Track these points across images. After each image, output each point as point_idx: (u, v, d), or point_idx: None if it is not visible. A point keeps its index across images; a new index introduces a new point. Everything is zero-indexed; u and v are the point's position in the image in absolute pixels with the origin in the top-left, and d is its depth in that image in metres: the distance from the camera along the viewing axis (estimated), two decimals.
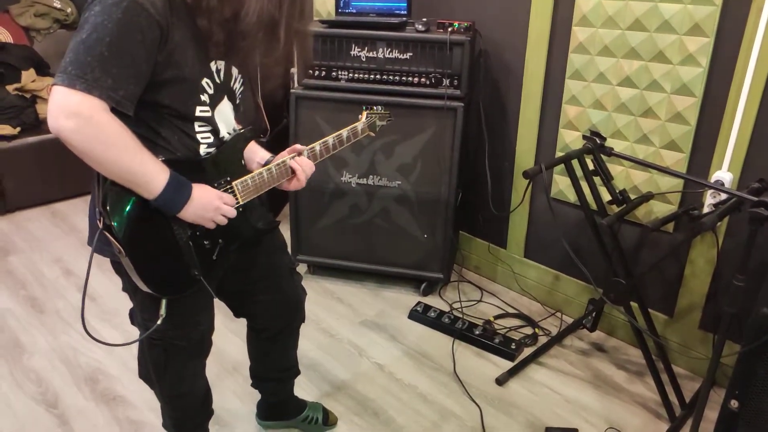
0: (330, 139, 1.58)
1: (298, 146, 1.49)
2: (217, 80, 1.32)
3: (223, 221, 1.31)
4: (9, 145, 3.34)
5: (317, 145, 1.54)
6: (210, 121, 1.33)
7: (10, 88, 3.46)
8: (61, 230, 3.29)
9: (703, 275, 2.16)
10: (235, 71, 1.38)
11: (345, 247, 2.69)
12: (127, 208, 1.20)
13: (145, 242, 1.24)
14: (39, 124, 3.50)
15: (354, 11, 2.56)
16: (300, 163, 1.46)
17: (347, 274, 2.82)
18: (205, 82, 1.28)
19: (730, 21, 1.90)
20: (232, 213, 1.32)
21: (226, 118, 1.38)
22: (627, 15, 2.11)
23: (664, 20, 2.02)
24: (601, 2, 2.16)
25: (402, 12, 2.51)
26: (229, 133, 1.40)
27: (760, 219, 1.37)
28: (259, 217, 1.47)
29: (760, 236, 1.51)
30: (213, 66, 1.30)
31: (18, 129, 3.38)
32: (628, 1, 2.09)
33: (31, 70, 3.57)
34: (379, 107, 1.80)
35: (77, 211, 3.50)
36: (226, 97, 1.37)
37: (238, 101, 1.44)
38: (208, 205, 1.27)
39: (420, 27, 2.37)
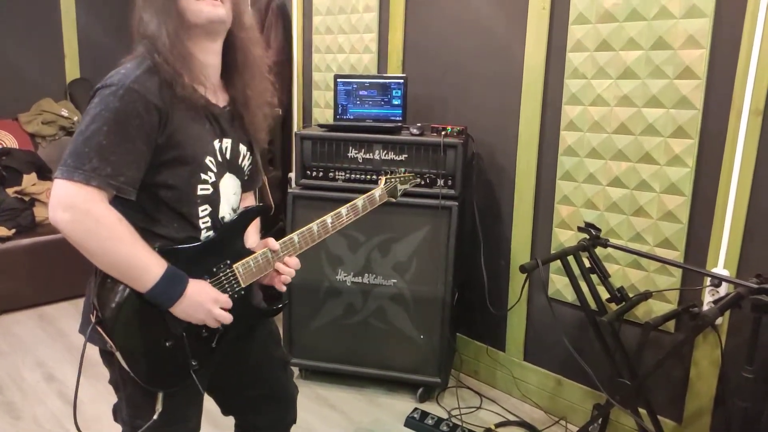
0: (343, 209, 1.48)
1: (271, 241, 1.39)
2: (220, 158, 1.33)
3: (214, 325, 1.26)
4: (2, 246, 3.32)
5: (328, 218, 1.45)
6: (211, 201, 1.32)
7: (10, 190, 3.51)
8: (47, 334, 3.20)
9: (709, 377, 2.09)
10: (243, 148, 1.40)
11: (339, 350, 2.61)
12: (119, 300, 1.18)
13: (137, 336, 1.21)
14: (35, 227, 3.51)
15: (352, 117, 2.67)
16: (284, 270, 1.39)
17: (341, 378, 2.71)
18: (208, 160, 1.29)
19: (712, 123, 1.99)
20: (227, 319, 1.27)
21: (228, 196, 1.37)
22: (612, 120, 2.20)
23: (649, 124, 2.11)
24: (587, 109, 2.26)
25: (397, 118, 2.62)
26: (230, 213, 1.38)
27: (762, 306, 1.35)
28: (257, 299, 1.43)
29: (765, 332, 1.48)
30: (217, 144, 1.32)
31: (13, 231, 3.39)
32: (612, 107, 2.20)
33: (33, 174, 3.65)
34: (402, 170, 1.73)
35: (66, 316, 3.41)
36: (231, 174, 1.37)
37: (246, 178, 1.44)
38: (199, 306, 1.23)
39: (415, 131, 2.47)
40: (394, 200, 1.65)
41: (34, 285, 3.46)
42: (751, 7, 1.85)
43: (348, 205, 1.50)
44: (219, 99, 1.36)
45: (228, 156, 1.35)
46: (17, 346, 3.05)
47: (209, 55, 1.32)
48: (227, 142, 1.34)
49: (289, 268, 1.40)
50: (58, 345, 3.08)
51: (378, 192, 1.60)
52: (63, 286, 3.51)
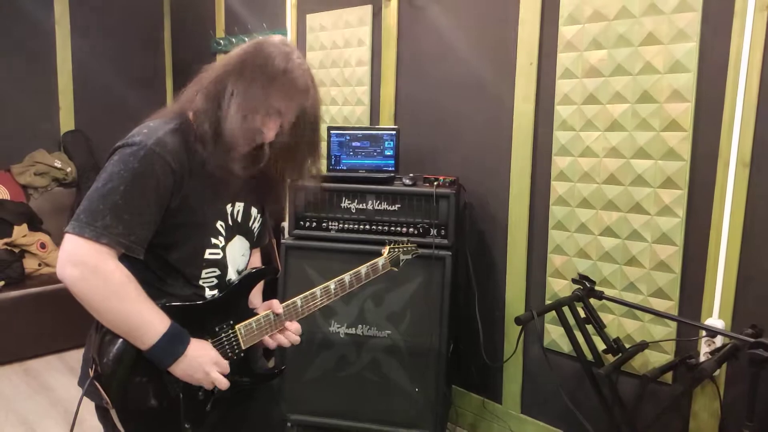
0: (346, 276, 1.51)
1: (275, 304, 1.40)
2: (230, 222, 1.33)
3: (210, 387, 1.25)
4: None
5: (332, 284, 1.48)
6: (218, 264, 1.32)
7: (0, 242, 3.48)
8: (31, 389, 3.11)
9: (709, 430, 2.06)
10: (254, 211, 1.40)
11: (332, 404, 2.55)
12: (118, 357, 1.17)
13: (133, 394, 1.19)
14: (24, 279, 3.47)
15: (345, 168, 2.70)
16: (286, 334, 1.39)
17: None
18: (219, 224, 1.30)
19: (700, 174, 2.02)
20: (223, 383, 1.25)
21: (236, 258, 1.37)
22: (602, 171, 2.24)
23: (638, 175, 2.14)
24: (577, 160, 2.30)
25: (390, 169, 2.65)
26: (236, 274, 1.38)
27: (759, 360, 1.34)
28: (259, 361, 1.41)
29: (764, 384, 1.47)
30: (229, 208, 1.32)
31: (2, 283, 3.34)
32: (601, 159, 2.23)
33: (24, 226, 3.62)
34: (405, 240, 1.75)
35: (51, 370, 3.33)
36: (240, 237, 1.37)
37: (255, 240, 1.45)
38: (199, 367, 1.22)
39: (407, 181, 2.49)
40: (396, 270, 1.70)
41: (20, 338, 3.38)
42: (733, 62, 1.91)
43: (351, 272, 1.53)
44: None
45: (239, 219, 1.36)
46: (0, 401, 2.96)
47: None
48: (239, 206, 1.35)
49: (291, 334, 1.40)
50: (42, 400, 2.99)
51: (381, 261, 1.64)
52: (50, 339, 3.44)
